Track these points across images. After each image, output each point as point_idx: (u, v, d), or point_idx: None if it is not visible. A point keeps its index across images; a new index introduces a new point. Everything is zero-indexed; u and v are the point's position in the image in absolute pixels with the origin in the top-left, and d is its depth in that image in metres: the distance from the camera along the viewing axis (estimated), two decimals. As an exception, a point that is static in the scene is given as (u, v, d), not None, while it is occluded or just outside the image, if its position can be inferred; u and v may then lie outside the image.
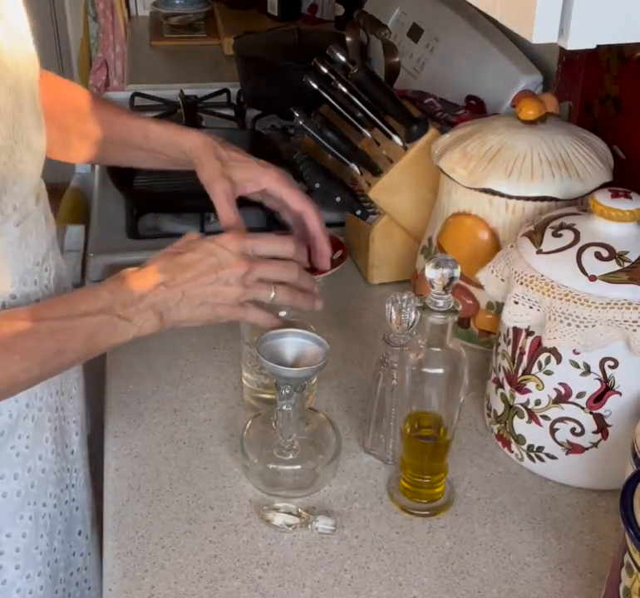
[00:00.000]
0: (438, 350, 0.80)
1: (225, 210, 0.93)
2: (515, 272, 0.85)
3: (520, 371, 0.87)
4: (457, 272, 0.76)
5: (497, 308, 1.02)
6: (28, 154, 0.80)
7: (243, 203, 1.47)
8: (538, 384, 0.86)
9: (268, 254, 0.87)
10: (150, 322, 0.81)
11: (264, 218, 1.41)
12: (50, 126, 0.88)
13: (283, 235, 0.93)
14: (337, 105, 1.16)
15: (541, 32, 0.55)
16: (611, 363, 0.82)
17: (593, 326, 0.79)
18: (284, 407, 0.85)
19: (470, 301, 1.05)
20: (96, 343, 0.79)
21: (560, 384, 0.85)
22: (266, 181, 0.95)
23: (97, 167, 1.58)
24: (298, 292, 0.88)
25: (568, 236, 0.84)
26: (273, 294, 0.85)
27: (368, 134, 1.19)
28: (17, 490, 0.87)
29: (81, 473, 0.99)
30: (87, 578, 1.03)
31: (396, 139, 1.14)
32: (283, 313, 0.94)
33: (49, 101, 0.89)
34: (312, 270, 1.25)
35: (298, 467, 0.87)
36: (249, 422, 0.91)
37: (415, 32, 1.66)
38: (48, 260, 0.88)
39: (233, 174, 0.95)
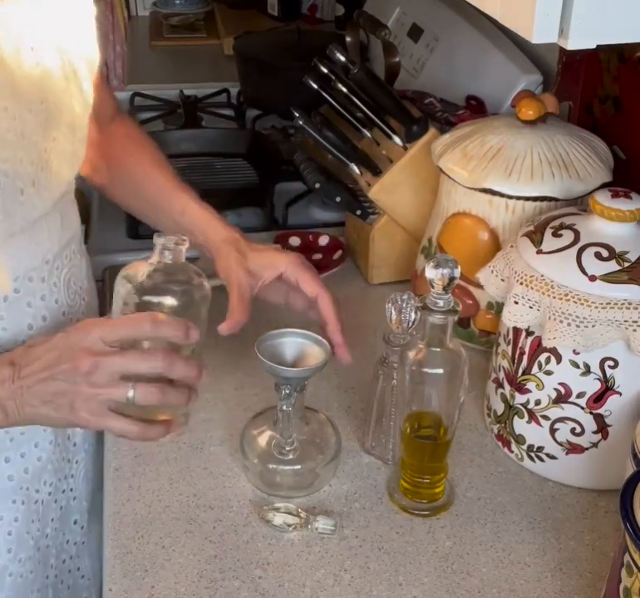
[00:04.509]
0: (438, 350, 0.80)
1: (234, 306, 0.90)
2: (515, 272, 0.85)
3: (520, 371, 0.87)
4: (457, 272, 0.76)
5: (497, 308, 1.02)
6: (56, 180, 0.83)
7: (242, 202, 1.48)
8: (538, 384, 0.86)
9: (124, 340, 0.75)
10: None
11: (264, 217, 1.41)
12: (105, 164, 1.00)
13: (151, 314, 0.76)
14: (337, 105, 1.16)
15: (541, 32, 0.55)
16: (611, 363, 0.82)
17: (593, 326, 0.79)
18: (284, 407, 0.85)
19: (470, 301, 1.05)
20: None
21: (560, 384, 0.85)
22: (283, 265, 0.93)
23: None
24: (170, 388, 0.75)
25: (568, 236, 0.84)
26: (131, 393, 0.74)
27: (368, 134, 1.19)
28: (9, 474, 0.88)
29: (82, 465, 1.00)
30: (80, 566, 1.04)
31: (396, 139, 1.14)
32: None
33: (120, 149, 1.01)
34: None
35: (298, 467, 0.87)
36: (249, 422, 0.91)
37: (415, 32, 1.66)
38: (61, 258, 0.88)
39: (250, 265, 0.93)
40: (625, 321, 0.78)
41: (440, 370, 0.80)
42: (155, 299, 0.77)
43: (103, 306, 1.17)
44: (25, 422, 0.77)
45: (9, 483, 0.89)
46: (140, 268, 0.78)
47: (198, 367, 0.77)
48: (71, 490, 0.99)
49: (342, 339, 0.90)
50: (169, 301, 0.78)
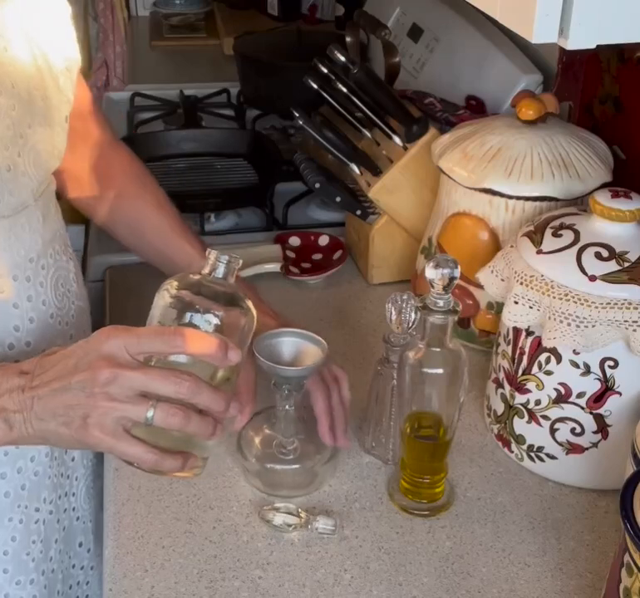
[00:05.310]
0: (438, 350, 0.80)
1: (241, 392, 0.83)
2: (515, 272, 0.85)
3: (520, 371, 0.87)
4: (457, 272, 0.76)
5: (497, 308, 1.02)
6: (33, 168, 0.81)
7: (242, 202, 1.48)
8: (538, 384, 0.86)
9: (150, 353, 0.68)
10: None
11: (264, 217, 1.41)
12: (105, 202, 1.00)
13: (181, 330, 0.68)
14: (337, 105, 1.16)
15: (541, 32, 0.55)
16: (611, 363, 0.82)
17: (593, 326, 0.79)
18: (284, 406, 0.85)
19: (470, 301, 1.05)
20: None
21: (560, 384, 0.85)
22: None
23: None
24: (193, 414, 0.68)
25: (568, 236, 0.84)
26: (150, 412, 0.67)
27: (368, 134, 1.19)
28: (6, 490, 0.86)
29: (82, 482, 0.98)
30: (89, 594, 1.01)
31: (396, 139, 1.14)
32: None
33: (121, 188, 1.00)
34: (312, 269, 1.25)
35: (297, 466, 0.87)
36: (248, 422, 0.91)
37: (415, 32, 1.66)
38: (46, 258, 0.86)
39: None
40: (625, 321, 0.78)
41: (440, 370, 0.80)
42: (195, 315, 0.70)
43: (103, 309, 1.17)
44: (31, 439, 0.71)
45: (5, 500, 0.86)
46: (183, 280, 0.71)
47: (226, 399, 0.69)
48: (74, 509, 0.96)
49: (327, 436, 0.86)
50: (212, 319, 0.70)
